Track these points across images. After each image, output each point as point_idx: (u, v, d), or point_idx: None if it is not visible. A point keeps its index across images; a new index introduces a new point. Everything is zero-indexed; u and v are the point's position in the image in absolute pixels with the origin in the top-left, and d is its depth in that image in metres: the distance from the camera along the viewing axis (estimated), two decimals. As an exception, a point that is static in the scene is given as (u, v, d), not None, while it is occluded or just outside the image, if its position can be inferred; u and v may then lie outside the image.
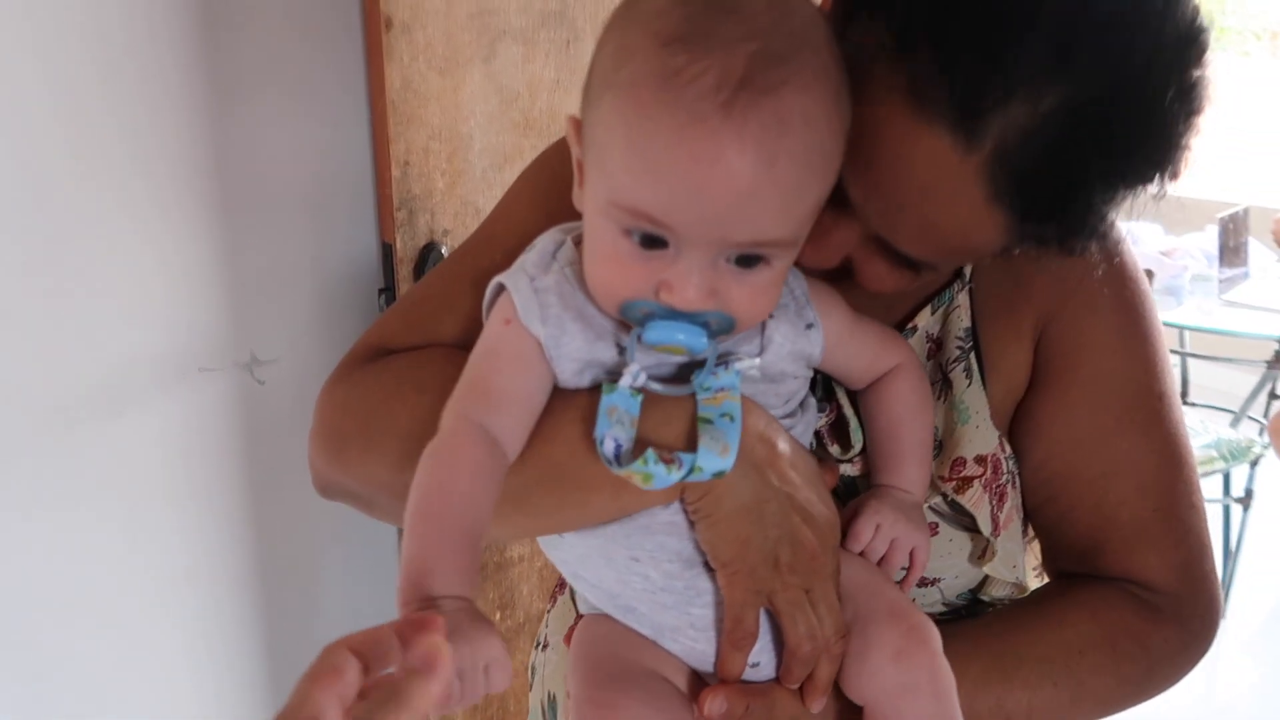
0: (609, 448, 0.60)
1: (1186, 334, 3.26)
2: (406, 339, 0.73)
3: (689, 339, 0.59)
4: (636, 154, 0.56)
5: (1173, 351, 2.94)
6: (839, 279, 0.70)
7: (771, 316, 0.65)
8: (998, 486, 0.76)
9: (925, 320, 0.78)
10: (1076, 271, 0.74)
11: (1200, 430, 2.83)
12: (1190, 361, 3.41)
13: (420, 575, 0.54)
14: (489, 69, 1.40)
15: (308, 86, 1.36)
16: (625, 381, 0.61)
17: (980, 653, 0.73)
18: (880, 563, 0.70)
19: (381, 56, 1.32)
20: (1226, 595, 2.85)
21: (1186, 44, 0.59)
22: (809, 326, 0.67)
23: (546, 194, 0.74)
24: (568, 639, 0.79)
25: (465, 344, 0.66)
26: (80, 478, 1.30)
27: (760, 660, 0.67)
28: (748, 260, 0.58)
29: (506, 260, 0.67)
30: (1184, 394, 3.35)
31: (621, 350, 0.62)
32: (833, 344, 0.68)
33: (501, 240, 0.73)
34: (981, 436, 0.76)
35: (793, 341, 0.66)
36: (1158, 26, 0.58)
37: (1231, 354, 3.26)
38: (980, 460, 0.75)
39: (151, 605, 1.39)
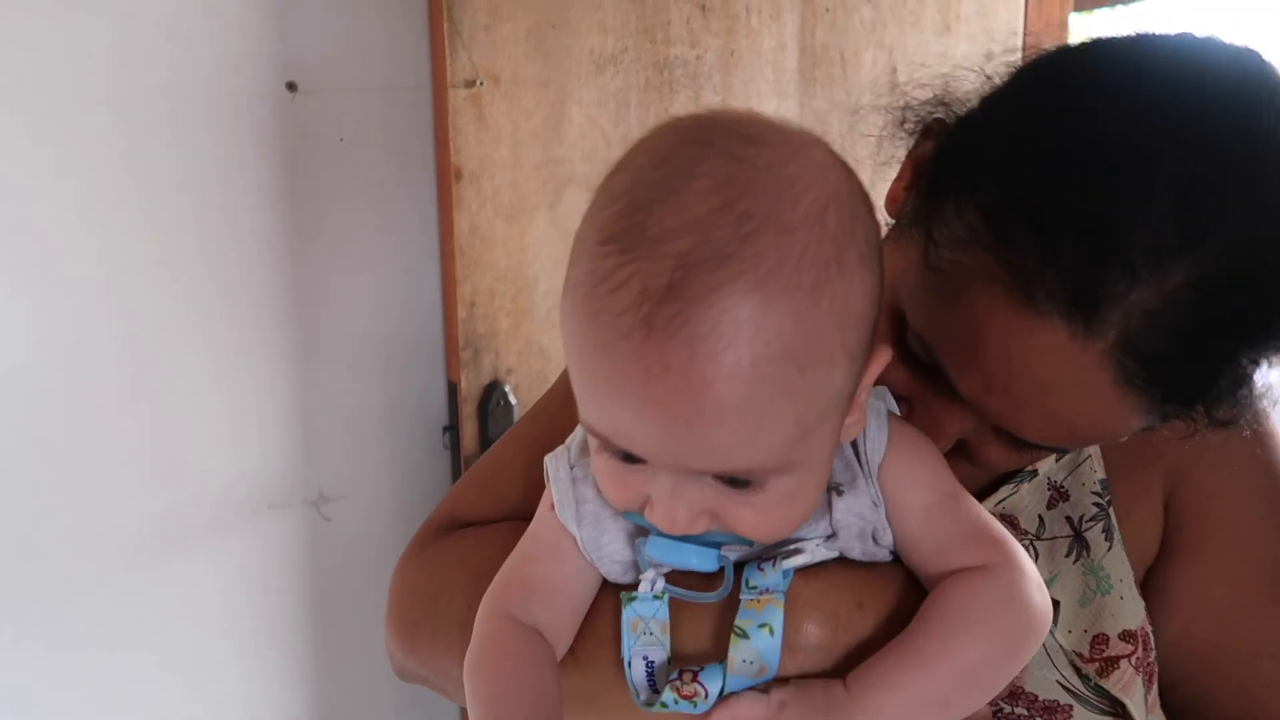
0: (638, 671, 0.53)
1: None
2: (480, 510, 0.71)
3: (700, 562, 0.52)
4: (578, 369, 0.49)
5: None
6: None
7: (838, 490, 0.55)
8: (1148, 665, 0.69)
9: (1048, 465, 0.71)
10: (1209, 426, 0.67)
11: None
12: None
13: None
14: (554, 214, 1.45)
15: (383, 234, 1.43)
16: (644, 589, 0.54)
17: None
18: None
19: (451, 205, 1.38)
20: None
21: None
22: (876, 505, 0.56)
23: None
24: None
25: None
26: (151, 612, 1.33)
27: None
28: (737, 480, 0.49)
29: (573, 423, 0.61)
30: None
31: None
32: (906, 525, 0.56)
33: (570, 401, 0.70)
34: (1128, 609, 0.68)
35: (866, 517, 0.56)
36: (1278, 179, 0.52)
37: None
38: (1127, 636, 0.68)
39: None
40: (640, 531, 0.55)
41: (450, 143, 1.36)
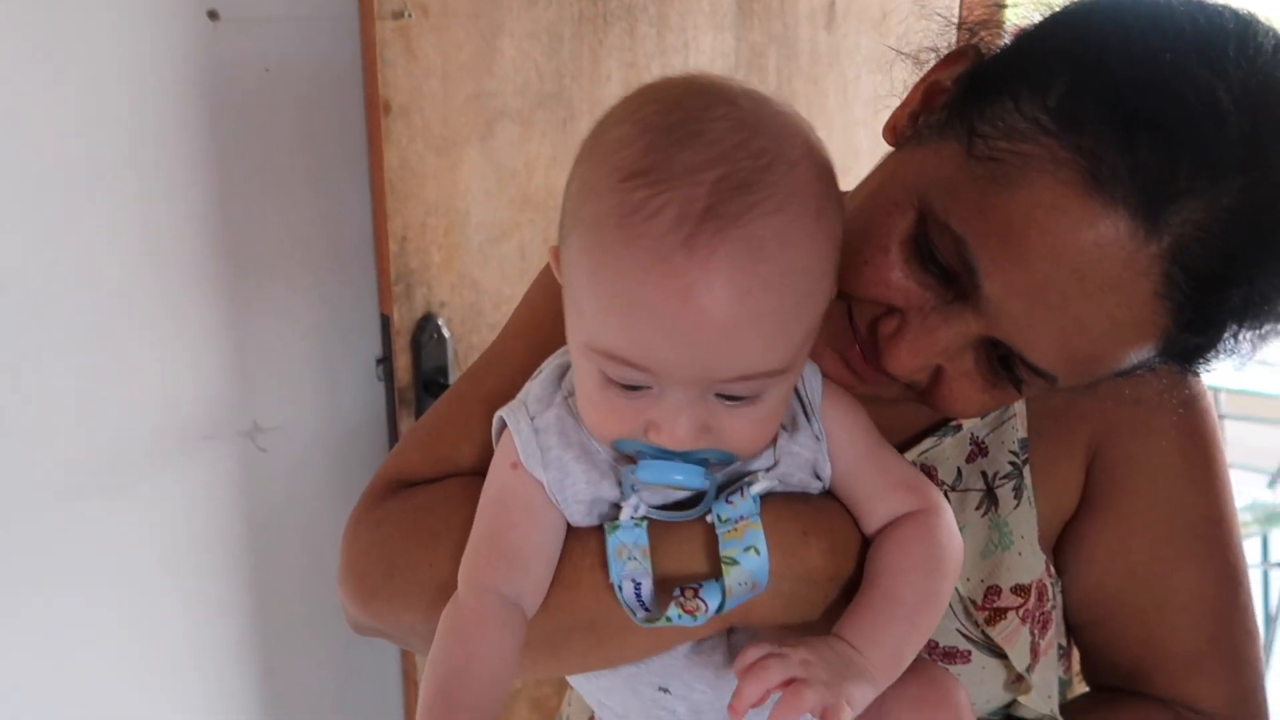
0: (629, 592, 0.58)
1: (1221, 394, 3.19)
2: (424, 469, 0.72)
3: (686, 478, 0.57)
4: (604, 298, 0.53)
5: (1206, 411, 2.88)
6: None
7: (783, 426, 0.61)
8: (1041, 615, 0.73)
9: (973, 422, 0.74)
10: (1136, 388, 0.69)
11: (1235, 493, 2.76)
12: (1225, 421, 3.34)
13: None
14: (485, 148, 1.45)
15: (312, 167, 1.41)
16: (625, 515, 0.59)
17: None
18: None
19: (381, 138, 1.37)
20: (1267, 660, 2.76)
21: None
22: (818, 439, 0.63)
23: (557, 302, 0.71)
24: None
25: (482, 470, 0.66)
26: (86, 548, 1.35)
27: None
28: (736, 396, 0.55)
29: (520, 378, 0.66)
30: (1220, 454, 3.27)
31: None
32: (840, 464, 0.63)
33: (517, 356, 0.71)
34: (1024, 564, 0.73)
35: (810, 452, 0.62)
36: None
37: (1267, 414, 3.18)
38: (1020, 590, 0.72)
39: (151, 674, 1.42)
40: (624, 463, 0.59)
41: (379, 75, 1.33)
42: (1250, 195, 0.53)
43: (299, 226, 1.42)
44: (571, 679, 0.72)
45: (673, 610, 0.56)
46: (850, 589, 0.62)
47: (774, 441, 0.61)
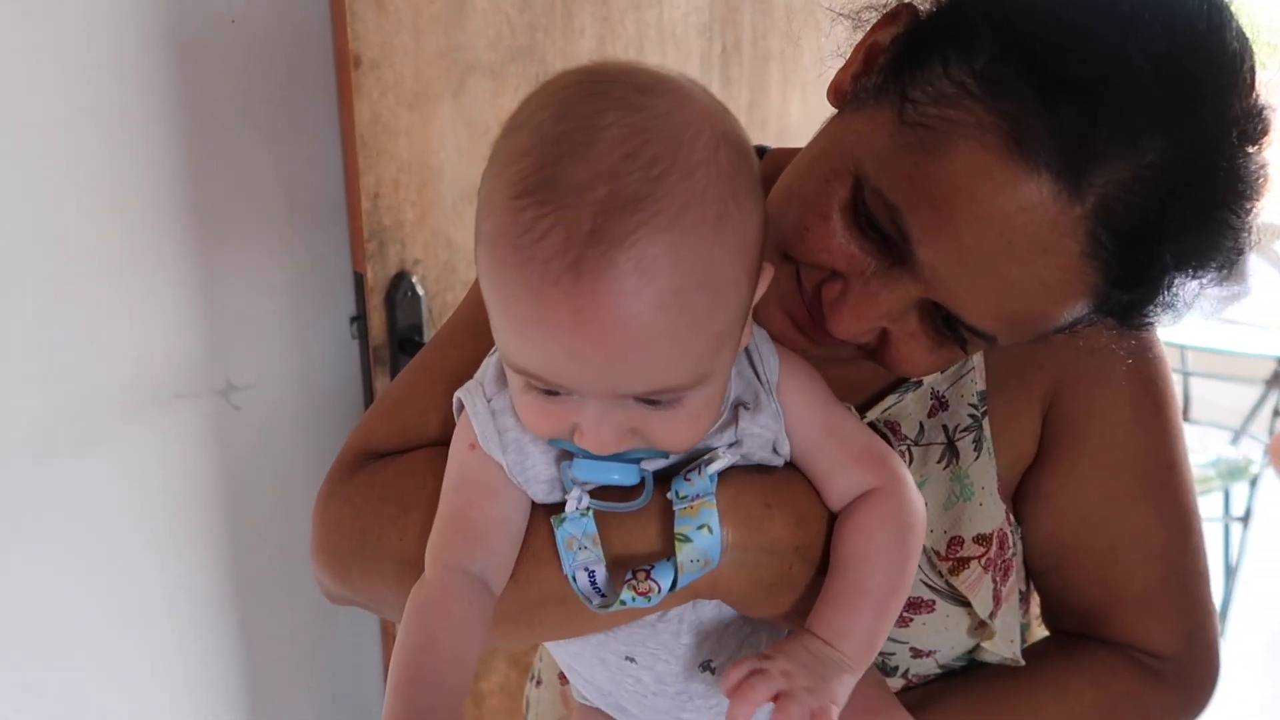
0: (583, 581, 0.58)
1: (1188, 352, 3.24)
2: (392, 442, 0.72)
3: (622, 477, 0.57)
4: (505, 315, 0.53)
5: (1174, 370, 2.92)
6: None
7: (745, 405, 0.61)
8: (1003, 562, 0.75)
9: (933, 377, 0.75)
10: (1090, 339, 0.70)
11: (1199, 449, 2.82)
12: (1191, 379, 3.39)
13: None
14: (458, 103, 1.44)
15: (281, 122, 1.39)
16: (570, 507, 0.59)
17: (979, 717, 0.72)
18: None
19: (351, 92, 1.35)
20: (1226, 614, 2.84)
21: (1252, 120, 0.57)
22: (778, 418, 0.62)
23: None
24: (563, 679, 0.79)
25: (449, 441, 0.66)
26: (59, 506, 1.34)
27: None
28: (656, 401, 0.55)
29: (485, 346, 0.66)
30: (1185, 411, 3.33)
31: None
32: (799, 441, 0.63)
33: (481, 324, 0.70)
34: (985, 514, 0.74)
35: (770, 431, 0.62)
36: (1227, 98, 0.56)
37: (1231, 371, 3.24)
38: (981, 539, 0.73)
39: (125, 633, 1.42)
40: (564, 456, 0.59)
41: (348, 28, 1.32)
42: (1172, 154, 0.54)
43: (270, 183, 1.40)
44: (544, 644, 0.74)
45: (626, 593, 0.57)
46: (813, 557, 0.63)
47: (736, 420, 0.61)
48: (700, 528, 0.58)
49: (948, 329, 0.61)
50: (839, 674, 0.58)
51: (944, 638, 0.75)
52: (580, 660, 0.68)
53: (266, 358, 1.45)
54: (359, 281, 1.45)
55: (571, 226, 0.49)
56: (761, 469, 0.63)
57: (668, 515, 0.60)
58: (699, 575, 0.58)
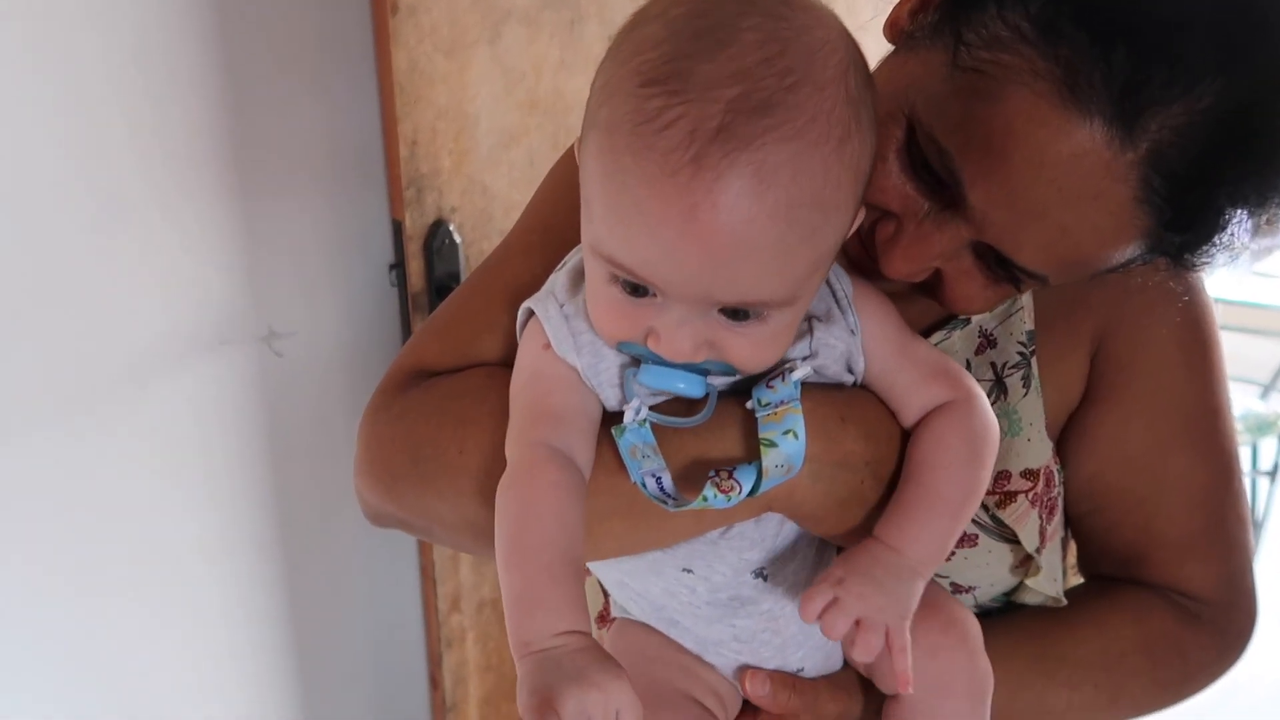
0: (652, 486, 0.57)
1: (1217, 305, 3.22)
2: (445, 360, 0.70)
3: (687, 387, 0.57)
4: (611, 205, 0.52)
5: (1202, 323, 2.91)
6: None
7: (818, 318, 0.61)
8: (1049, 500, 0.75)
9: (981, 315, 0.74)
10: (1140, 282, 0.70)
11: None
12: (1223, 333, 3.37)
13: (531, 615, 0.52)
14: (494, 50, 1.44)
15: (318, 70, 1.40)
16: (629, 418, 0.58)
17: (1021, 651, 0.73)
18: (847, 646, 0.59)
19: (388, 39, 1.36)
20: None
21: None
22: (853, 333, 0.63)
23: (573, 193, 0.68)
24: (600, 620, 0.79)
25: (505, 362, 0.65)
26: (106, 451, 1.37)
27: (805, 666, 0.67)
28: (740, 313, 0.54)
29: (541, 270, 0.65)
30: (1214, 366, 3.31)
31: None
32: (875, 358, 0.63)
33: (534, 248, 0.70)
34: (1033, 450, 0.74)
35: (844, 344, 0.62)
36: None
37: (1262, 325, 3.21)
38: (1029, 475, 0.74)
39: (173, 577, 1.46)
40: (630, 364, 0.59)
41: (385, -26, 1.32)
42: (1229, 97, 0.53)
43: (309, 131, 1.41)
44: (590, 564, 0.73)
45: (708, 490, 0.56)
46: (884, 474, 0.63)
47: (811, 332, 0.61)
48: (786, 433, 0.57)
49: (1000, 267, 0.62)
50: (910, 582, 0.58)
51: (985, 573, 0.75)
52: (635, 575, 0.67)
53: (307, 305, 1.48)
54: (397, 229, 1.46)
55: (699, 120, 0.49)
56: (834, 386, 0.63)
57: (743, 427, 0.60)
58: (780, 481, 0.58)
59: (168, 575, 1.45)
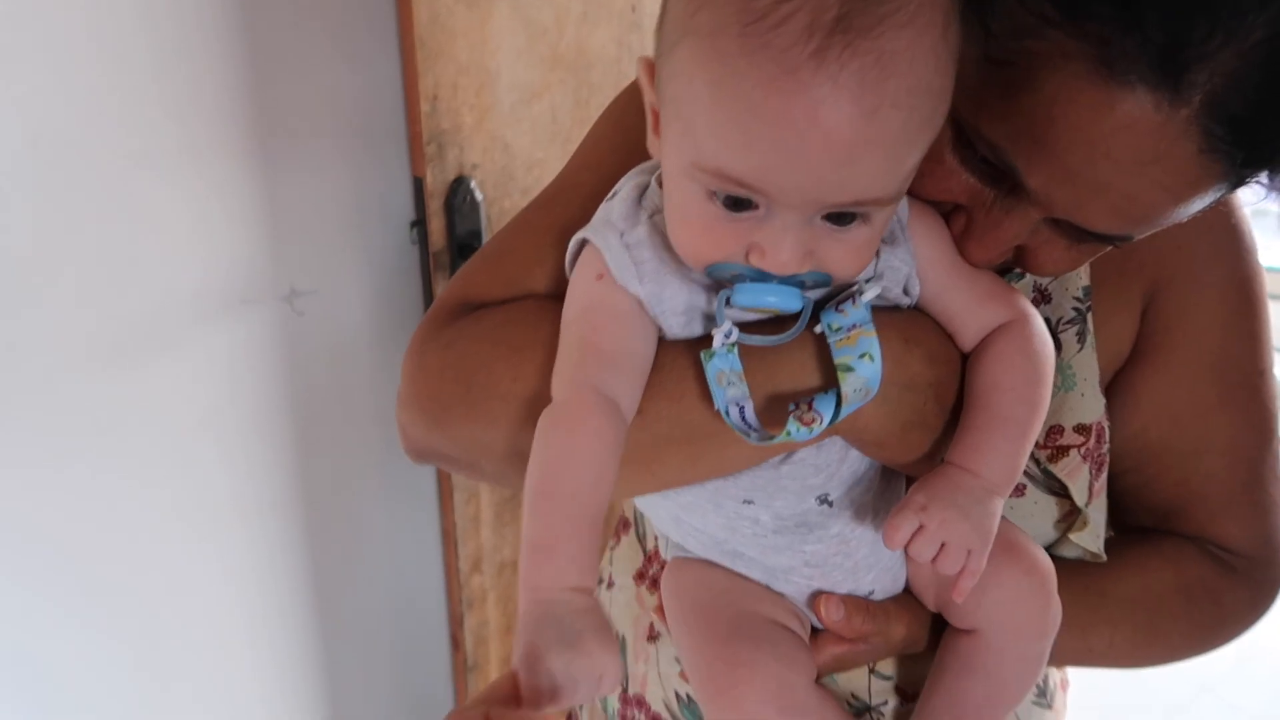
0: (735, 416, 0.57)
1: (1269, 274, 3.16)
2: (494, 292, 0.69)
3: (782, 301, 0.55)
4: (720, 112, 0.50)
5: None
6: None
7: (884, 240, 0.61)
8: (1099, 455, 0.75)
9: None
10: (1191, 240, 0.70)
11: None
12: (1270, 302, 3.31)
13: (546, 562, 0.52)
14: (515, 3, 1.42)
15: (339, 25, 1.39)
16: (718, 341, 0.58)
17: (1064, 589, 0.72)
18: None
19: (409, -8, 1.34)
20: None
21: None
22: (912, 257, 0.62)
23: (627, 134, 0.68)
24: (639, 578, 0.78)
25: (555, 296, 0.64)
26: (130, 410, 1.37)
27: (875, 589, 0.68)
28: (844, 218, 0.53)
29: (592, 206, 0.64)
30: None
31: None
32: (930, 280, 0.63)
33: (587, 186, 0.69)
34: (1087, 405, 0.74)
35: (906, 265, 0.62)
36: None
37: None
38: (1081, 429, 0.74)
39: (193, 535, 1.46)
40: (713, 289, 0.59)
41: (406, -75, 1.30)
42: (1275, 23, 0.51)
43: (328, 87, 1.40)
44: (644, 501, 0.73)
45: (791, 424, 0.56)
46: (945, 397, 0.63)
47: (876, 255, 0.60)
48: (862, 356, 0.57)
49: (1081, 233, 0.60)
50: (988, 503, 0.59)
51: (1028, 524, 0.75)
52: (693, 510, 0.66)
53: (329, 263, 1.47)
54: (418, 186, 1.45)
55: (816, 13, 0.47)
56: (894, 308, 0.63)
57: (818, 351, 0.59)
58: (859, 406, 0.57)
59: (188, 533, 1.46)
